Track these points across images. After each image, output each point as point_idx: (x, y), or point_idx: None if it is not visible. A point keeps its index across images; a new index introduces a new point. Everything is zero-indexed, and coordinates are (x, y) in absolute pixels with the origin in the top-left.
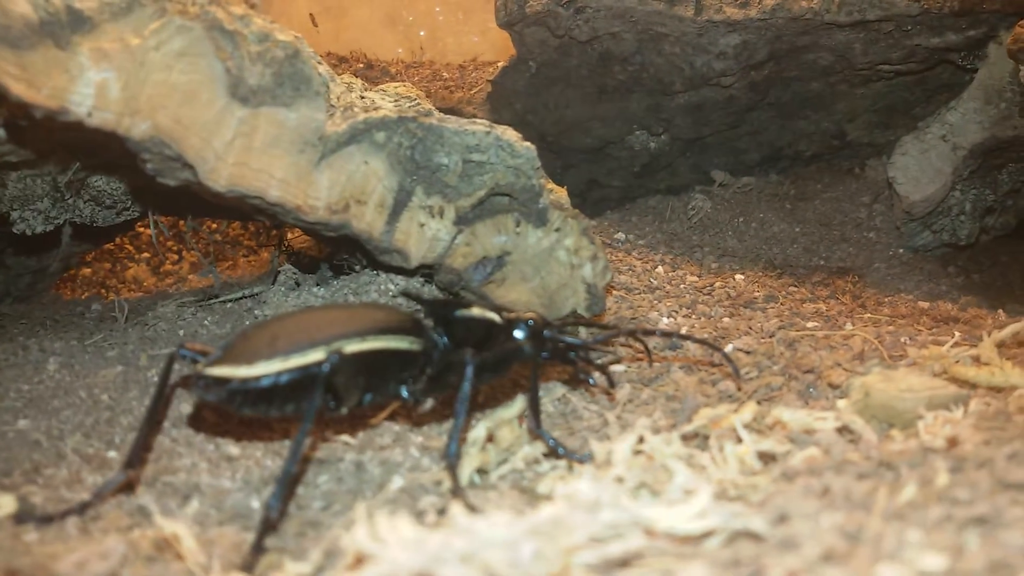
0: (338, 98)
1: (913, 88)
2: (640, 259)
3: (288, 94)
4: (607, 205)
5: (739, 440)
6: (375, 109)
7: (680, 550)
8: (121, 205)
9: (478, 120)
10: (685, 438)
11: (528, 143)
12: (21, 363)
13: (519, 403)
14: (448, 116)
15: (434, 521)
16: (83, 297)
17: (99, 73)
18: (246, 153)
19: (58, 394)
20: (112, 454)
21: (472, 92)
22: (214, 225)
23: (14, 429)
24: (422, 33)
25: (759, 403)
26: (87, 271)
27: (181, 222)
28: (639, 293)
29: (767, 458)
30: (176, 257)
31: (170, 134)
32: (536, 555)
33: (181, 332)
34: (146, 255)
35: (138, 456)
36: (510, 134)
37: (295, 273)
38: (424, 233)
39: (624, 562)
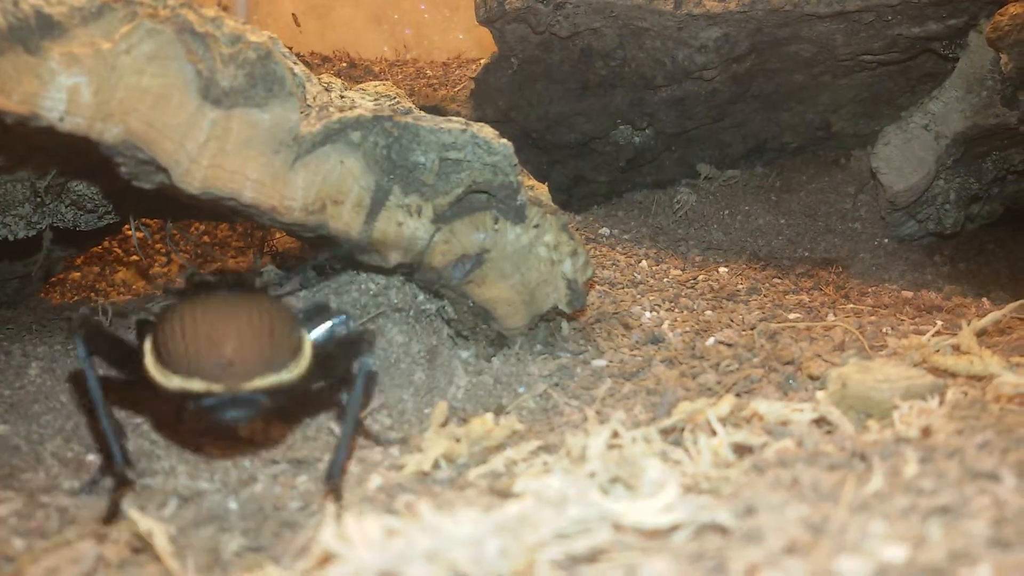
0: (314, 98)
1: (897, 78)
2: (624, 254)
3: (261, 95)
4: (594, 200)
5: (714, 433)
6: (351, 108)
7: (646, 544)
8: (103, 209)
9: (454, 118)
10: (663, 432)
11: (505, 140)
12: (3, 368)
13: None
14: (424, 114)
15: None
16: (72, 301)
17: (70, 78)
18: (220, 155)
19: (39, 399)
20: (91, 457)
21: (456, 90)
22: (201, 227)
23: None
24: (408, 31)
25: (738, 396)
26: (76, 275)
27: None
28: (622, 288)
29: (743, 451)
30: (164, 259)
31: (143, 138)
32: (501, 552)
33: None
34: (135, 258)
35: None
36: (487, 131)
37: (278, 274)
38: (402, 232)
39: (590, 557)
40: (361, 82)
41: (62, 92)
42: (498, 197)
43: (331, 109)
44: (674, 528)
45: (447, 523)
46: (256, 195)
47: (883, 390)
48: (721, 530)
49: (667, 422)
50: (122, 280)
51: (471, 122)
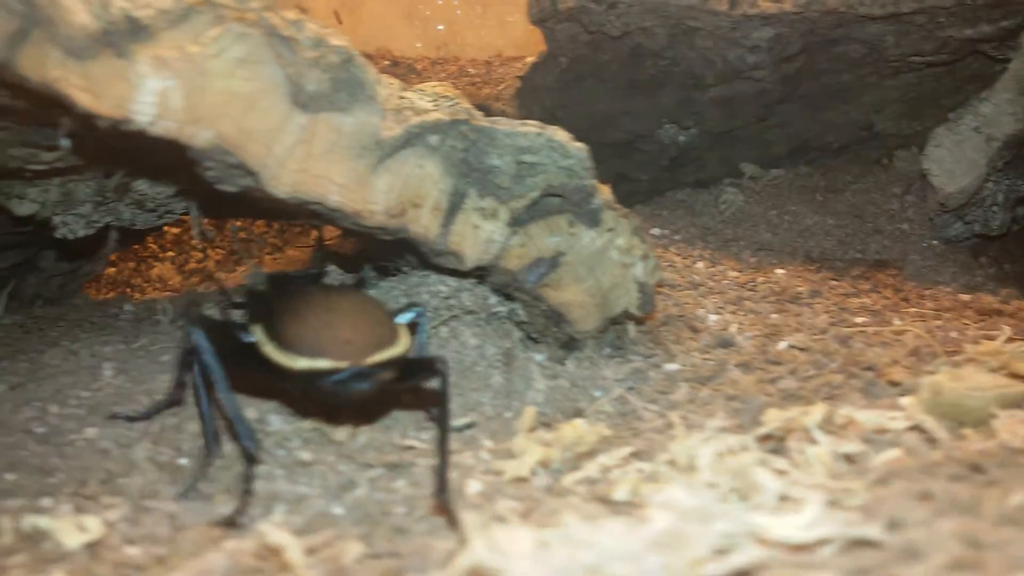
0: (386, 100)
1: (942, 79)
2: (679, 255)
3: (345, 99)
4: (635, 199)
5: (814, 441)
6: (426, 112)
7: (800, 559)
8: (163, 208)
9: (529, 122)
10: (759, 440)
11: (580, 144)
12: (75, 369)
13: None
14: (499, 118)
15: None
16: (109, 296)
17: (160, 82)
18: (307, 160)
19: (119, 400)
20: (183, 461)
21: (499, 88)
22: (239, 223)
23: (82, 437)
24: (440, 27)
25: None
26: (111, 270)
27: (205, 220)
28: (682, 290)
29: (843, 460)
30: (201, 255)
31: (233, 142)
32: (664, 568)
33: None
34: (171, 254)
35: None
36: (561, 135)
37: (341, 274)
38: (478, 235)
39: (748, 574)
40: (405, 81)
41: (152, 96)
42: (572, 200)
43: (407, 112)
44: (820, 543)
45: (599, 536)
46: (341, 199)
47: (976, 398)
48: (872, 545)
49: (763, 430)
50: (158, 276)
51: (545, 125)
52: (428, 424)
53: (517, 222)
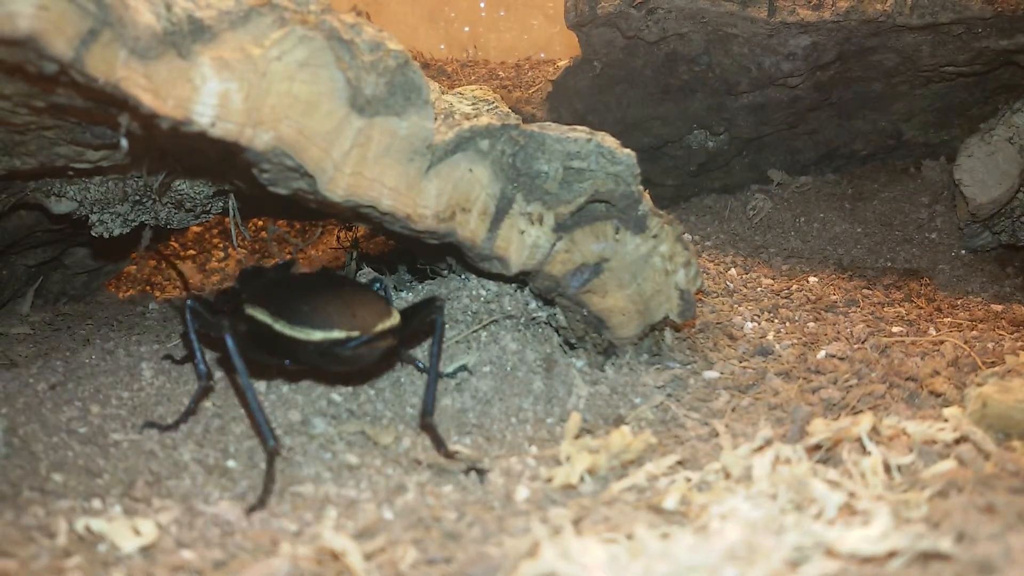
0: (433, 104)
1: (972, 89)
2: (712, 261)
3: (400, 103)
4: (660, 205)
5: (866, 452)
6: (475, 116)
7: (871, 572)
8: (200, 208)
9: (578, 128)
10: (808, 450)
11: (628, 150)
12: (113, 369)
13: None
14: (549, 123)
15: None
16: (131, 294)
17: (221, 83)
18: (361, 163)
19: (161, 401)
20: (231, 463)
21: (530, 92)
22: (260, 223)
23: (128, 439)
24: (466, 29)
25: (859, 412)
26: (131, 268)
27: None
28: (717, 296)
29: (896, 471)
30: (222, 254)
31: (292, 145)
32: None
33: None
34: (192, 252)
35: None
36: (610, 141)
37: (376, 276)
38: (524, 240)
39: None
40: (435, 83)
41: (213, 97)
42: (619, 207)
43: (457, 116)
44: (890, 556)
45: (673, 547)
46: (393, 203)
47: None
48: (942, 558)
49: (812, 440)
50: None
51: (594, 131)
52: (470, 428)
53: (562, 227)
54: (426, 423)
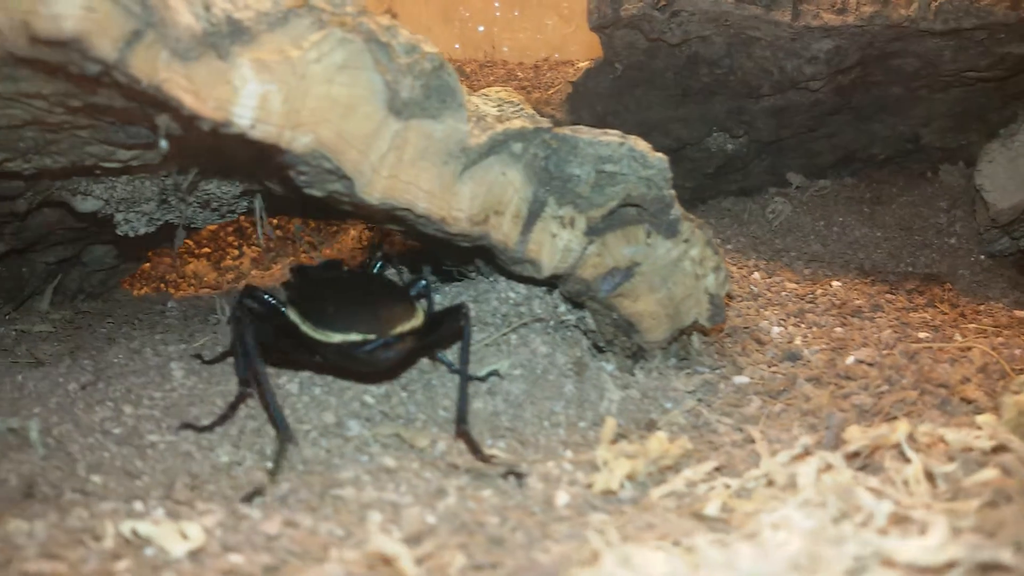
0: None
1: (991, 94)
2: (735, 264)
3: (435, 106)
4: None
5: (906, 460)
6: (508, 119)
7: None
8: (226, 208)
9: (611, 131)
10: (846, 457)
11: (661, 154)
12: (143, 369)
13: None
14: (581, 127)
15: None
16: (145, 291)
17: (261, 85)
18: (397, 166)
19: (194, 402)
20: (270, 465)
21: (549, 92)
22: (275, 221)
23: (163, 440)
24: (481, 29)
25: (895, 419)
26: (146, 266)
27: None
28: (742, 300)
29: (932, 478)
30: (236, 252)
31: (331, 148)
32: None
33: None
34: (206, 250)
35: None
36: (642, 145)
37: (403, 277)
38: (556, 243)
39: None
40: None
41: (253, 99)
42: (650, 211)
43: (489, 119)
44: (949, 566)
45: (733, 558)
46: (428, 206)
47: None
48: (1002, 569)
49: (851, 447)
50: (193, 272)
51: (626, 135)
52: (503, 432)
53: (594, 231)
54: (461, 430)
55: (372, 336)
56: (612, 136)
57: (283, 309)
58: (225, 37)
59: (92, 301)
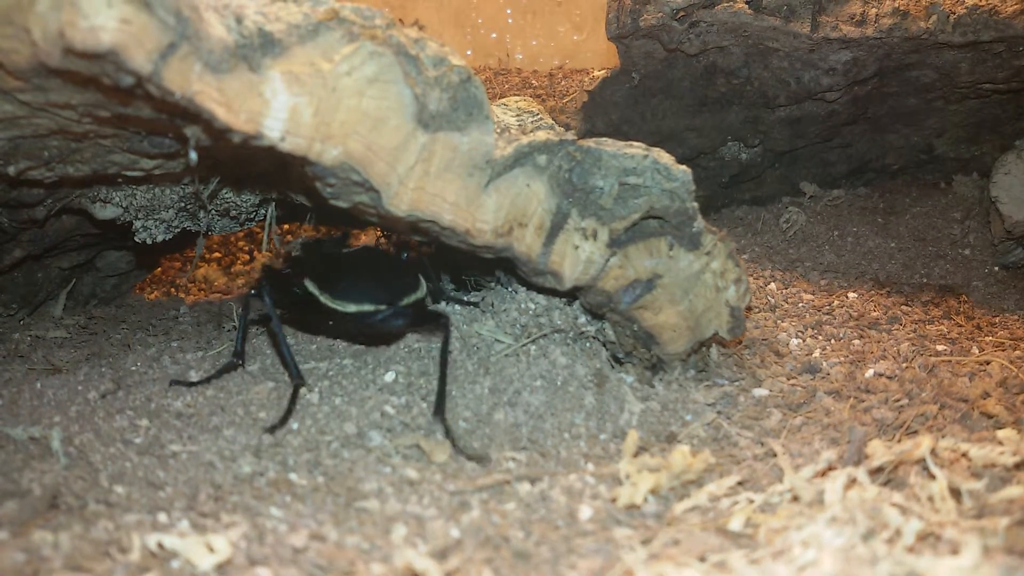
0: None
1: (1006, 105)
2: (751, 275)
3: (462, 119)
4: None
5: (930, 476)
6: (532, 131)
7: None
8: (245, 216)
9: (635, 143)
10: (869, 472)
11: (684, 167)
12: (161, 377)
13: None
14: (605, 139)
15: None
16: (153, 296)
17: (292, 97)
18: (424, 178)
19: (215, 411)
20: (293, 476)
21: (564, 101)
22: (286, 226)
23: (185, 450)
24: (493, 35)
25: (915, 433)
26: (157, 270)
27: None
28: (759, 312)
29: (957, 495)
30: (247, 257)
31: (360, 160)
32: None
33: (313, 346)
34: (217, 254)
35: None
36: (665, 157)
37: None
38: (578, 255)
39: None
40: None
41: (284, 111)
42: (673, 223)
43: (513, 131)
44: None
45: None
46: (454, 218)
47: None
48: None
49: (874, 463)
50: (203, 277)
51: (650, 147)
52: (525, 443)
53: (616, 243)
54: (439, 418)
55: (383, 307)
56: (636, 148)
57: (304, 281)
58: (256, 49)
59: (105, 306)
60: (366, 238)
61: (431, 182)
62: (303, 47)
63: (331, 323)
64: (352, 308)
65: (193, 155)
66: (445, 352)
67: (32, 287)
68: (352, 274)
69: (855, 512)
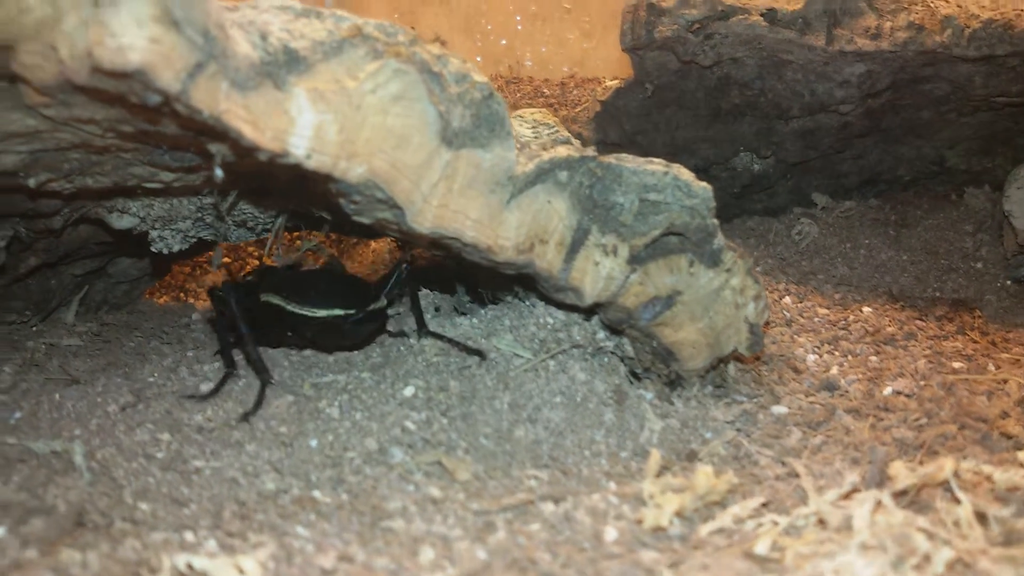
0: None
1: (1018, 118)
2: (765, 287)
3: (484, 135)
4: None
5: (955, 500)
6: (553, 147)
7: None
8: (261, 226)
9: (655, 160)
10: (893, 495)
11: (705, 183)
12: (180, 390)
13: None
14: (625, 155)
15: None
16: (162, 300)
17: (317, 115)
18: (447, 195)
19: (239, 427)
20: (317, 494)
21: (576, 110)
22: (296, 232)
23: (208, 465)
24: (503, 42)
25: (936, 453)
26: (167, 276)
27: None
28: (775, 326)
29: (983, 519)
30: (256, 263)
31: (384, 178)
32: None
33: (331, 359)
34: (226, 259)
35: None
36: (686, 174)
37: (435, 297)
38: (599, 271)
39: None
40: None
41: (309, 129)
42: (693, 240)
43: (534, 147)
44: None
45: None
46: (476, 235)
47: None
48: None
49: (898, 486)
50: (212, 282)
51: (670, 163)
52: (546, 461)
53: (636, 260)
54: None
55: (352, 311)
56: (657, 165)
57: (263, 296)
58: (282, 67)
59: (116, 312)
60: (375, 244)
61: (454, 199)
62: (327, 64)
63: (293, 332)
64: (322, 313)
65: (219, 172)
66: (417, 304)
67: (45, 294)
68: (318, 286)
69: (884, 539)
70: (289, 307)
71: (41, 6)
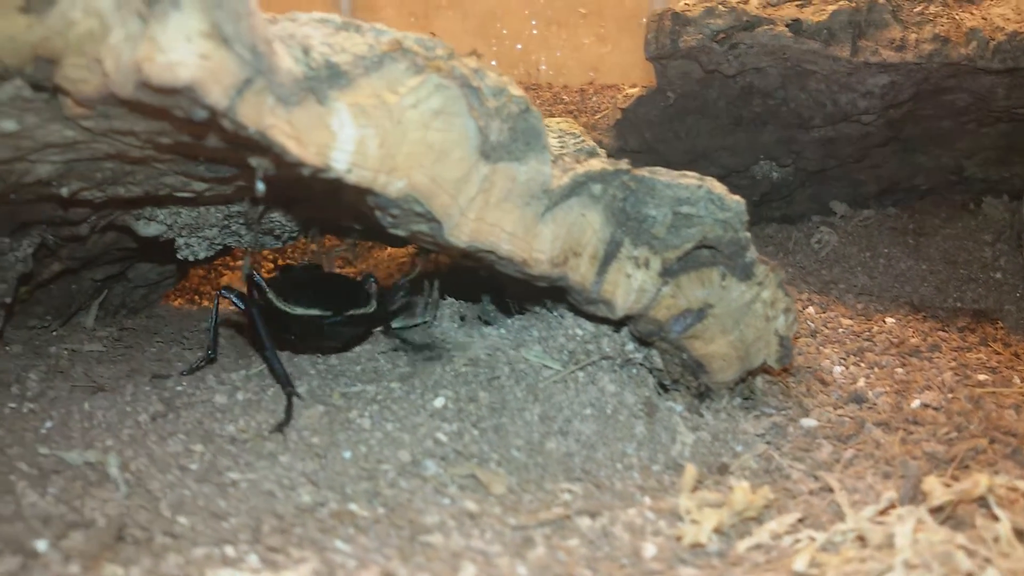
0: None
1: None
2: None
3: (521, 149)
4: None
5: (993, 517)
6: (587, 160)
7: None
8: (288, 234)
9: (688, 173)
10: (929, 511)
11: (738, 197)
12: (208, 399)
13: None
14: (659, 168)
15: None
16: (177, 303)
17: (358, 129)
18: (484, 209)
19: (273, 439)
20: (353, 507)
21: (596, 117)
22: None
23: (244, 478)
24: (519, 47)
25: (967, 467)
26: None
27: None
28: (801, 337)
29: (1020, 536)
30: (271, 266)
31: (423, 192)
32: None
33: (358, 367)
34: (240, 263)
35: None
36: (719, 187)
37: (460, 306)
38: (631, 284)
39: None
40: None
41: (350, 144)
42: (725, 253)
43: (567, 160)
44: None
45: None
46: (511, 248)
47: None
48: None
49: (934, 502)
50: (228, 283)
51: (704, 177)
52: (579, 474)
53: (668, 272)
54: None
55: (329, 313)
56: (690, 178)
57: (267, 291)
58: (324, 81)
59: (135, 316)
60: (390, 249)
61: (490, 212)
62: (368, 79)
63: (283, 329)
64: (299, 311)
65: (261, 186)
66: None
67: (67, 299)
68: (311, 287)
69: (927, 557)
70: (276, 303)
71: (87, 20)
